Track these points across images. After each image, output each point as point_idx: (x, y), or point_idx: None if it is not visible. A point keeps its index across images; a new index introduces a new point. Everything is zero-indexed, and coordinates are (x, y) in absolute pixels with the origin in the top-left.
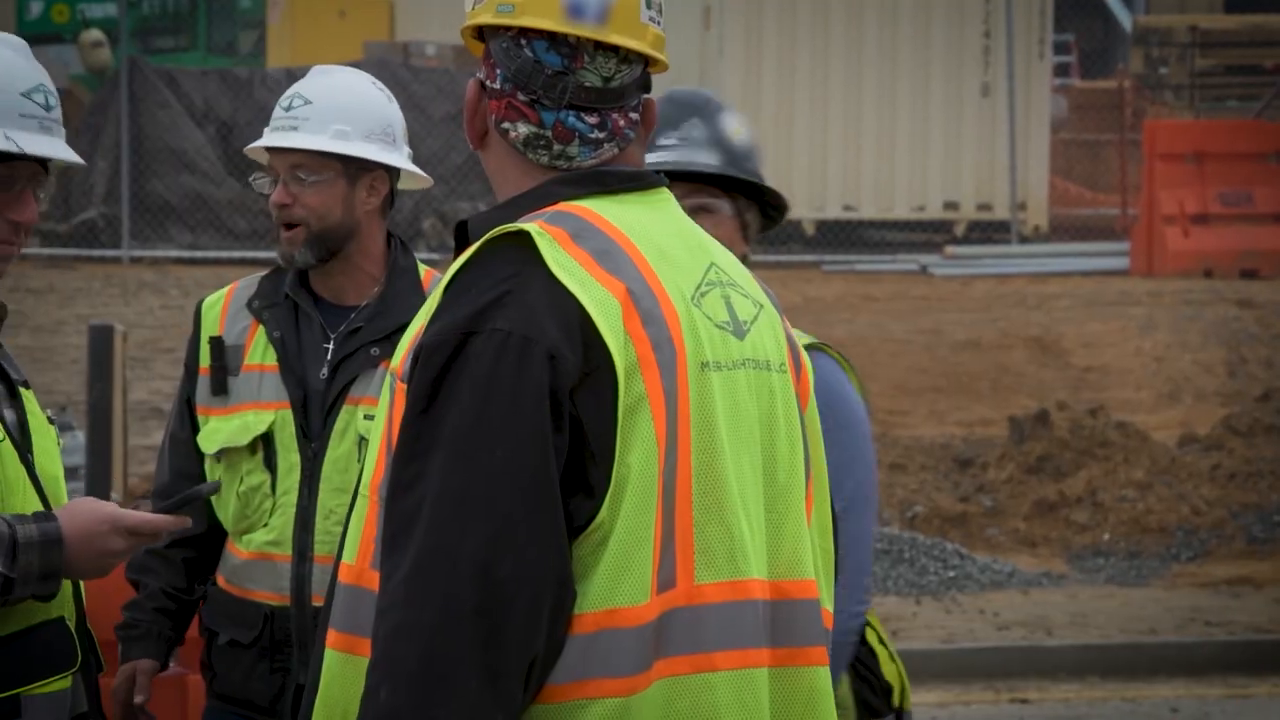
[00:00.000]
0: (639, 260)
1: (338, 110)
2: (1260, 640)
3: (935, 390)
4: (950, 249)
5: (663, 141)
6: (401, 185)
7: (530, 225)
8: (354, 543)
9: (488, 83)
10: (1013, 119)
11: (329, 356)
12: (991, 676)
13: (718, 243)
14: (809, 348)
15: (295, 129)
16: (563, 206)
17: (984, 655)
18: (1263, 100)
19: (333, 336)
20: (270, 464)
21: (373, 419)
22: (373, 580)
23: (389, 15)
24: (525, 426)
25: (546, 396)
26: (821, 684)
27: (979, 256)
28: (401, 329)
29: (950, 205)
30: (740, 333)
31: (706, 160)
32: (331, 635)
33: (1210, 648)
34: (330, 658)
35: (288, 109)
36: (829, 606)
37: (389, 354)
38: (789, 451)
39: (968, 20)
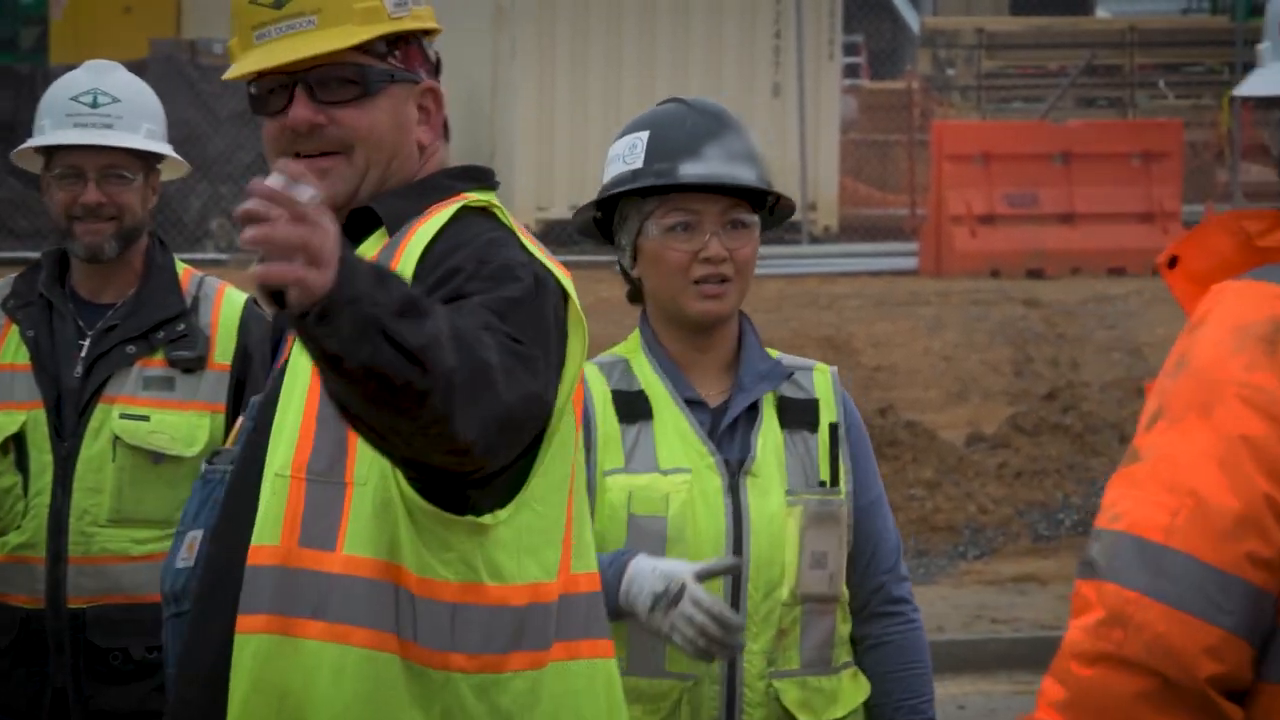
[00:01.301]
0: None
1: (144, 109)
2: (1046, 637)
3: None
4: None
5: (708, 152)
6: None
7: (490, 199)
8: (274, 524)
9: (423, 74)
10: (803, 119)
11: (83, 354)
12: None
13: None
14: (828, 367)
15: (110, 127)
16: (465, 197)
17: None
18: (1048, 102)
19: (89, 334)
20: (22, 465)
21: (131, 418)
22: (306, 559)
23: (175, 12)
24: (574, 353)
25: (560, 327)
26: (615, 679)
27: (769, 256)
28: (158, 327)
29: None
30: None
31: (749, 174)
32: (252, 620)
33: (997, 645)
34: (258, 642)
35: (94, 105)
36: None
37: (145, 352)
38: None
39: (759, 21)
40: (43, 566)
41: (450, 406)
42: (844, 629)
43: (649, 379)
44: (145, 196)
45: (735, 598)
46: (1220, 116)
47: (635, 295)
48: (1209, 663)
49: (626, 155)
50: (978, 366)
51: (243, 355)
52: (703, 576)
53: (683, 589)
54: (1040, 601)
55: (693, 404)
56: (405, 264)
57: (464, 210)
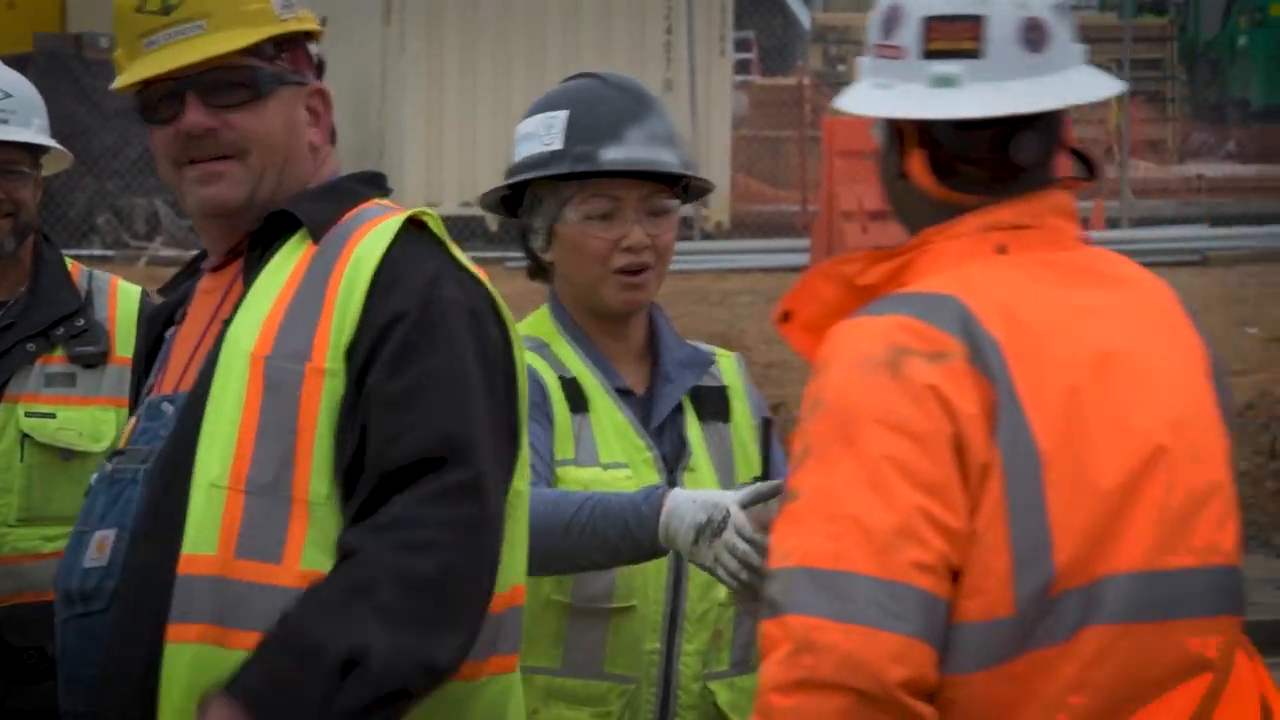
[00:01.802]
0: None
1: (34, 103)
2: None
3: None
4: None
5: (630, 135)
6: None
7: (425, 214)
8: (209, 534)
9: (310, 76)
10: (695, 115)
11: None
12: None
13: None
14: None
15: (6, 123)
16: (374, 203)
17: None
18: None
19: None
20: None
21: (37, 416)
22: (244, 570)
23: (60, 6)
24: (493, 392)
25: (498, 361)
26: None
27: None
28: (57, 323)
29: None
30: None
31: (670, 158)
32: (186, 629)
33: None
34: (194, 651)
35: None
36: None
37: (45, 349)
38: None
39: (649, 17)
40: None
41: (427, 662)
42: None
43: (578, 367)
44: (35, 191)
45: (675, 600)
46: (1109, 113)
47: (538, 272)
48: (896, 668)
49: (543, 134)
50: None
51: None
52: (747, 503)
53: (726, 517)
54: None
55: (623, 394)
56: (355, 286)
57: (405, 227)
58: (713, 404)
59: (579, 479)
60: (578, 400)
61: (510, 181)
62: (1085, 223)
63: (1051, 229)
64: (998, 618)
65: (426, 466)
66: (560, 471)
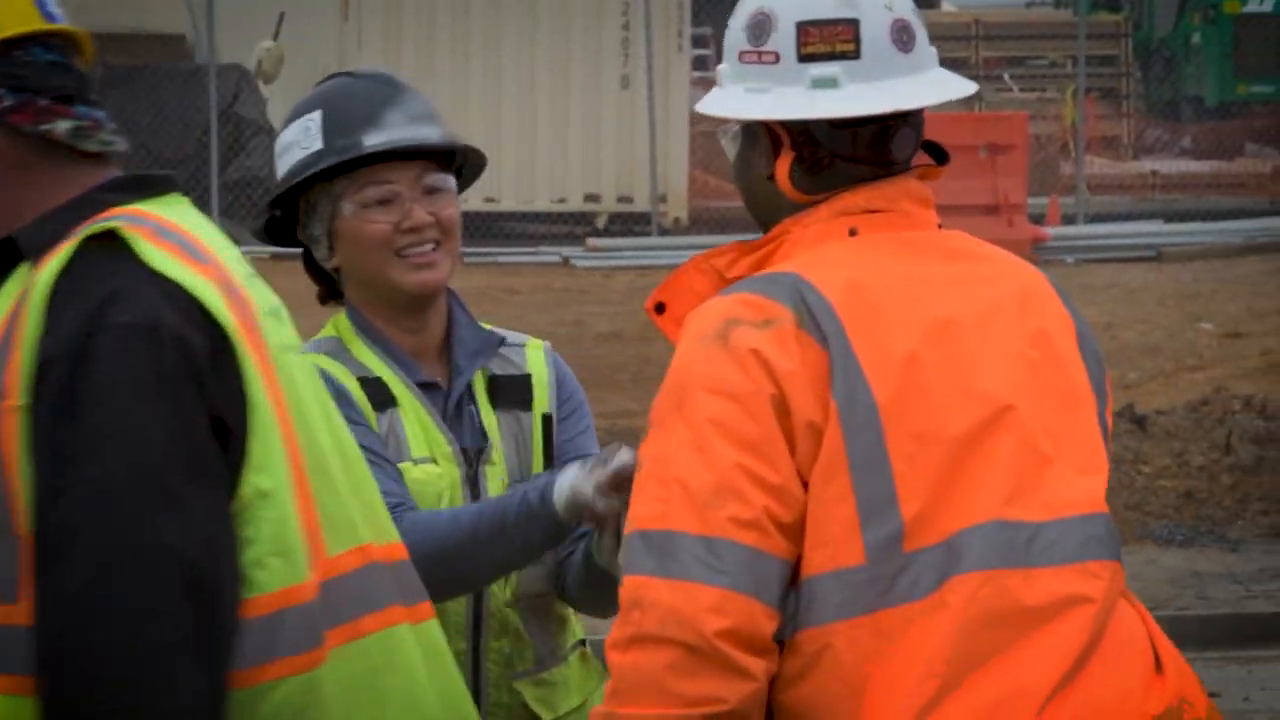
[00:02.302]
0: (212, 253)
1: None
2: None
3: (579, 383)
4: (592, 241)
5: (388, 119)
6: None
7: (115, 223)
8: None
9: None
10: (652, 112)
11: None
12: None
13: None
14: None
15: None
16: (118, 211)
17: None
18: None
19: None
20: None
21: None
22: (7, 615)
23: None
24: (176, 413)
25: (186, 378)
26: (440, 638)
27: (620, 249)
28: None
29: (591, 197)
30: (281, 318)
31: (433, 134)
32: None
33: None
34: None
35: None
36: None
37: None
38: (339, 426)
39: (606, 13)
40: None
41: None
42: (563, 610)
43: (378, 366)
44: None
45: (478, 601)
46: (1065, 110)
47: (332, 293)
48: (714, 619)
49: (302, 140)
50: None
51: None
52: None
53: (618, 448)
54: None
55: (425, 387)
56: (32, 315)
57: (84, 245)
58: (511, 391)
59: None
60: (383, 398)
61: (276, 195)
62: (1040, 219)
63: (904, 212)
64: (847, 566)
65: (80, 535)
66: None
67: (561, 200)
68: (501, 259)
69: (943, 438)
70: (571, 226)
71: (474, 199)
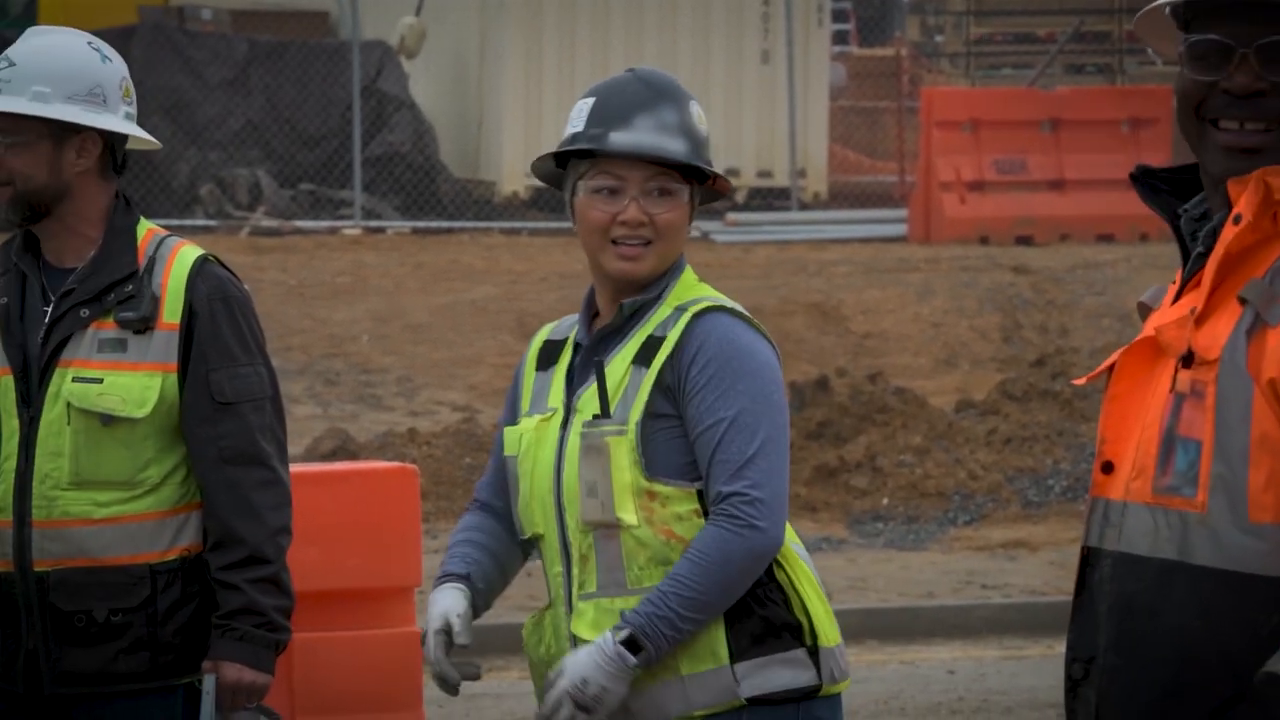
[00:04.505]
0: None
1: (40, 72)
2: (1034, 603)
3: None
4: (731, 216)
5: (639, 122)
6: (132, 145)
7: None
8: None
9: None
10: (792, 86)
11: (46, 320)
12: None
13: None
14: (710, 310)
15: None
16: None
17: None
18: (1036, 68)
19: (52, 299)
20: None
21: (83, 381)
22: None
23: None
24: None
25: None
26: None
27: (760, 224)
28: (110, 288)
29: (731, 172)
30: None
31: (676, 147)
32: None
33: (986, 610)
34: None
35: None
36: None
37: (99, 314)
38: None
39: None
40: (10, 530)
41: None
42: (640, 553)
43: (576, 329)
44: (53, 161)
45: (561, 525)
46: None
47: None
48: None
49: (574, 118)
50: (967, 333)
51: (189, 311)
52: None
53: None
54: (1030, 567)
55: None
56: None
57: None
58: (647, 351)
59: (517, 428)
60: (551, 356)
61: (544, 156)
62: None
63: None
64: None
65: None
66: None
67: None
68: None
69: None
70: (711, 201)
71: None
